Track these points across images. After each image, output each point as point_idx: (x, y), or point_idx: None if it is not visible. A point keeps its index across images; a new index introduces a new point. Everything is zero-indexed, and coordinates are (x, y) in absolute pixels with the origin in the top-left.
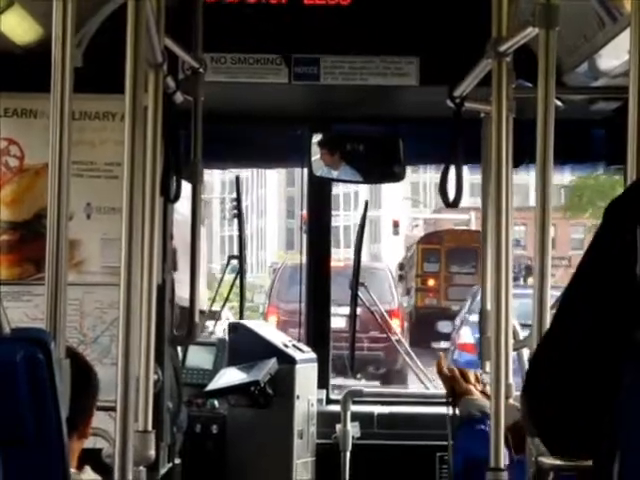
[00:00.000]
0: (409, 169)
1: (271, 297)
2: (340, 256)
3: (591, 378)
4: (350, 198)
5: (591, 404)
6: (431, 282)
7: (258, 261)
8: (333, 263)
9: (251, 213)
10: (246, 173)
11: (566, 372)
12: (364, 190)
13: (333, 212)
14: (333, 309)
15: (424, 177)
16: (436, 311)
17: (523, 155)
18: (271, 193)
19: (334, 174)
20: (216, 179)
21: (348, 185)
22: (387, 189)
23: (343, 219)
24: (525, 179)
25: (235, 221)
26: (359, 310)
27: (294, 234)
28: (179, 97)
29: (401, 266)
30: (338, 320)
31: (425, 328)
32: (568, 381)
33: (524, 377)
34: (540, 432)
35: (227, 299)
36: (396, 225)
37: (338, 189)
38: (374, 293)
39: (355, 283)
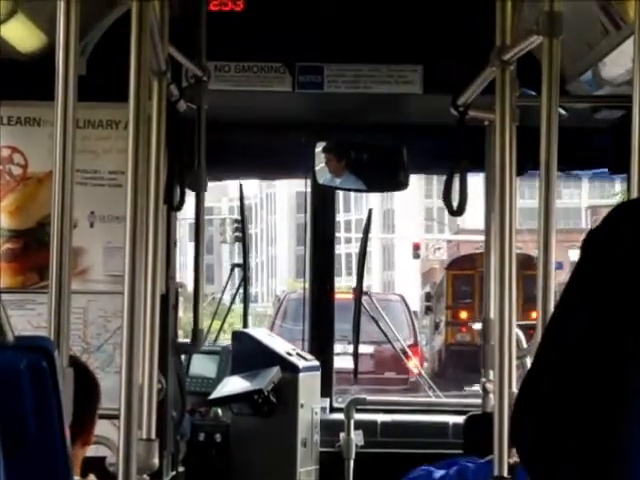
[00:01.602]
0: (422, 194)
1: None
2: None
3: (589, 380)
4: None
5: (587, 409)
6: (463, 314)
7: (268, 290)
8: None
9: (260, 241)
10: (255, 200)
11: (563, 373)
12: (377, 216)
13: (347, 235)
14: (343, 347)
15: (438, 202)
16: (470, 349)
17: (526, 163)
18: (281, 220)
19: (337, 182)
20: (224, 205)
21: (364, 209)
22: (401, 213)
23: (355, 246)
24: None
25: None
26: (372, 348)
27: (304, 261)
28: (183, 105)
29: (428, 296)
30: (347, 360)
31: (457, 369)
32: (565, 383)
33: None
34: (527, 438)
35: (227, 314)
36: (417, 248)
37: (350, 215)
38: (386, 329)
39: (357, 312)
